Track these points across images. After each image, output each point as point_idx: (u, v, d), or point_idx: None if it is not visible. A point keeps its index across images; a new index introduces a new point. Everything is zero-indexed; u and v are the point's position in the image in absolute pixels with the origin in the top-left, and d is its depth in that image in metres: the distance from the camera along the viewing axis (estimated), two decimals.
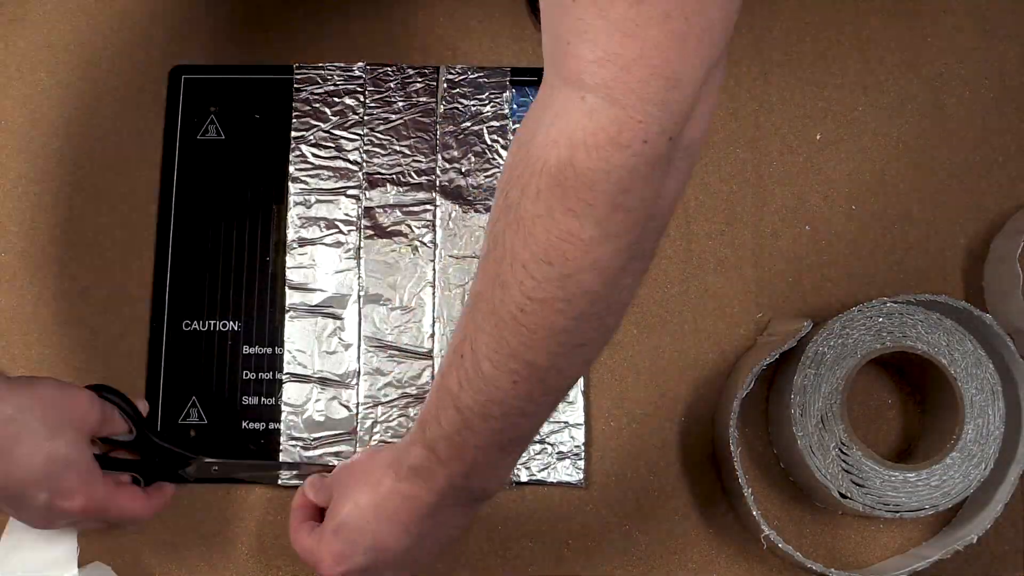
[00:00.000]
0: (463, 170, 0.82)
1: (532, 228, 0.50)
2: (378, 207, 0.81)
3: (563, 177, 0.49)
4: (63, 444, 0.63)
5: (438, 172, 0.82)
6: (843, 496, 0.73)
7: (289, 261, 0.81)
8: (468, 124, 0.83)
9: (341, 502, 0.66)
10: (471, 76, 0.83)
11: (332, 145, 0.83)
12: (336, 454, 0.78)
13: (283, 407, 0.79)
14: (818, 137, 0.84)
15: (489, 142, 0.83)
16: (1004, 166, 0.84)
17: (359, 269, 0.81)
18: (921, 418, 0.80)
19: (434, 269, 0.81)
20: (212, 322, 0.80)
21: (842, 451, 0.73)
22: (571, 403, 0.79)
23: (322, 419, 0.79)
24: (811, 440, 0.73)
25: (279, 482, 0.77)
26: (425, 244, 0.81)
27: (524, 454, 0.77)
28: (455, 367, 0.57)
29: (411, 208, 0.81)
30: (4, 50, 0.85)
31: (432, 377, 0.79)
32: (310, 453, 0.78)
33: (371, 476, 0.65)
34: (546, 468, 0.78)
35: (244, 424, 0.79)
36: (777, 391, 0.78)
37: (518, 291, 0.52)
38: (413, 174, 0.82)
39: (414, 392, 0.79)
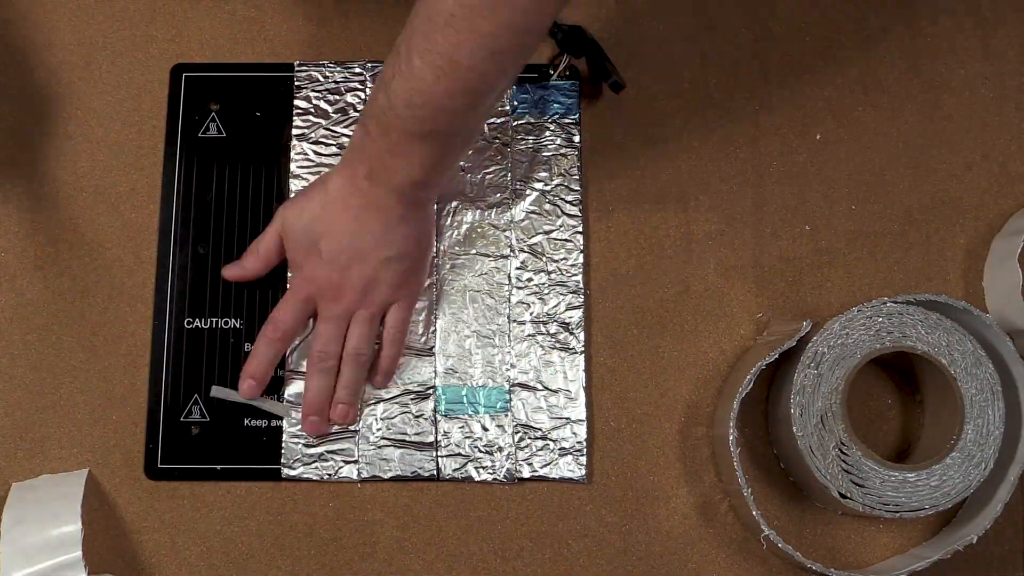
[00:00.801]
0: (463, 167, 0.82)
1: None
2: None
3: None
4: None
5: None
6: (843, 496, 0.73)
7: None
8: None
9: (293, 223, 0.77)
10: None
11: (333, 143, 0.83)
12: (338, 451, 0.78)
13: (286, 405, 0.79)
14: (818, 137, 0.84)
15: (489, 139, 0.83)
16: (1004, 166, 0.84)
17: None
18: (921, 418, 0.80)
19: (435, 266, 0.81)
20: (214, 320, 0.80)
21: (842, 451, 0.73)
22: (572, 399, 0.79)
23: None
24: (811, 440, 0.73)
25: (281, 476, 0.78)
26: None
27: (527, 451, 0.78)
28: (391, 61, 0.67)
29: None
30: (4, 50, 0.85)
31: (435, 374, 0.79)
32: (312, 451, 0.78)
33: (317, 183, 0.76)
34: (548, 464, 0.78)
35: (246, 422, 0.79)
36: (777, 391, 0.78)
37: None
38: None
39: (415, 389, 0.79)
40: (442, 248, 0.81)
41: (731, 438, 0.74)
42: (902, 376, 0.80)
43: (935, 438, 0.76)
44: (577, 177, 0.83)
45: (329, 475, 0.78)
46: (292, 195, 0.82)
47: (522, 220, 0.82)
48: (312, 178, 0.82)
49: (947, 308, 0.75)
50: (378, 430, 0.79)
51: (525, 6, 0.62)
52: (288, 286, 0.79)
